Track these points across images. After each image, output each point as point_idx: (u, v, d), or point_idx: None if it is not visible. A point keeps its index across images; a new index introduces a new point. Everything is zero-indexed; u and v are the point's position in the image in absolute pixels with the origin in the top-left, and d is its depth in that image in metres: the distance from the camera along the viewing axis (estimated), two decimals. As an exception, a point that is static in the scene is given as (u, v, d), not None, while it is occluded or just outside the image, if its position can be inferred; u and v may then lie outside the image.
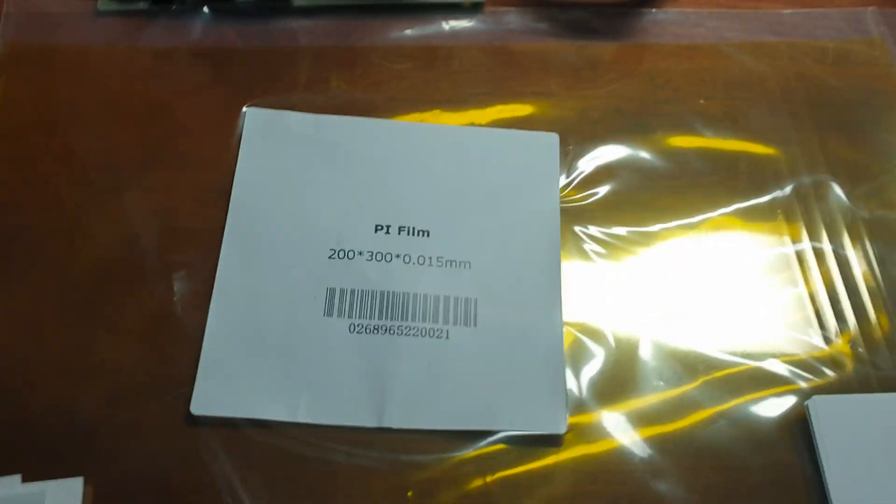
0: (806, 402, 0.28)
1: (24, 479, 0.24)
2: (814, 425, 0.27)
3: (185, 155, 0.31)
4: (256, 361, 0.27)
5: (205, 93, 0.32)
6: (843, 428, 0.27)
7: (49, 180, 0.30)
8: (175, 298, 0.28)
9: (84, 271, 0.28)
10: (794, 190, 0.33)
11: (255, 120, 0.31)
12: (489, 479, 0.26)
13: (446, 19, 0.35)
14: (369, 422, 0.26)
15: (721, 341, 0.29)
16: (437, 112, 0.33)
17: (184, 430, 0.26)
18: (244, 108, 0.32)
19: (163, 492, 0.25)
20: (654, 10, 0.36)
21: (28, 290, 0.28)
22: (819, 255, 0.31)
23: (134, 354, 0.27)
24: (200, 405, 0.26)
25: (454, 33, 0.35)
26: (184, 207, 0.30)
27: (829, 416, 0.27)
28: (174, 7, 0.34)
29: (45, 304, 0.28)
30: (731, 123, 0.34)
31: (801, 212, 0.32)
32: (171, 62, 0.33)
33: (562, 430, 0.27)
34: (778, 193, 0.33)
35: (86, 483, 0.25)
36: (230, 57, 0.33)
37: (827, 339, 0.30)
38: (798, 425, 0.28)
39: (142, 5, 0.34)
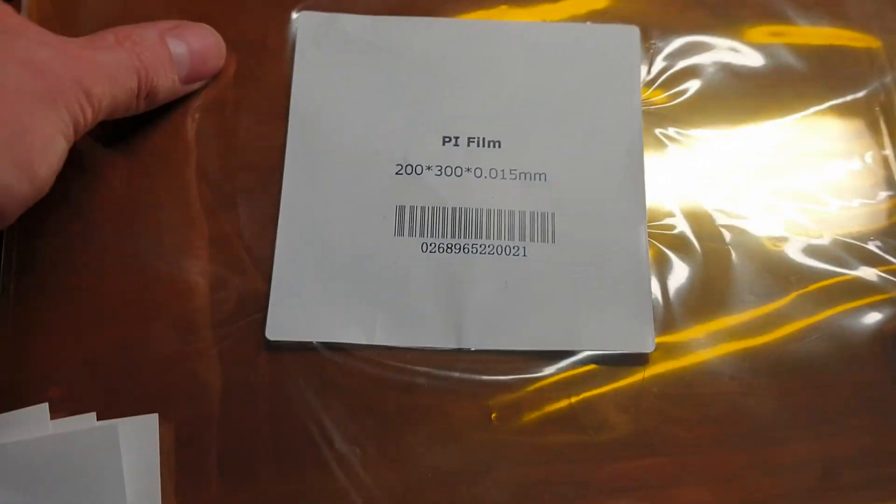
0: None
1: (100, 419, 0.24)
2: None
3: (235, 69, 0.29)
4: (329, 284, 0.26)
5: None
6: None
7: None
8: (241, 222, 0.27)
9: (144, 201, 0.27)
10: (893, 81, 0.30)
11: (307, 25, 0.29)
12: (574, 399, 0.26)
13: None
14: (447, 343, 0.26)
15: (814, 251, 0.28)
16: (503, 8, 0.30)
17: (260, 357, 0.25)
18: (294, 14, 0.29)
19: (243, 422, 0.25)
20: None
21: (90, 221, 0.27)
22: (922, 155, 0.29)
23: (203, 283, 0.26)
24: (276, 331, 0.25)
25: None
26: (241, 127, 0.28)
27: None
28: None
29: (107, 235, 0.27)
30: (825, 11, 0.31)
31: (902, 108, 0.29)
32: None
33: (649, 348, 0.26)
34: (877, 86, 0.30)
35: (161, 420, 0.24)
36: None
37: (927, 247, 0.28)
38: (893, 339, 0.26)
39: None
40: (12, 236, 0.27)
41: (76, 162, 0.26)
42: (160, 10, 0.29)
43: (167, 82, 0.26)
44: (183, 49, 0.26)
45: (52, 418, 0.24)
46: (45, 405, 0.24)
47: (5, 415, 0.24)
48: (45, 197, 0.23)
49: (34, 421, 0.24)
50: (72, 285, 0.26)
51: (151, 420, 0.24)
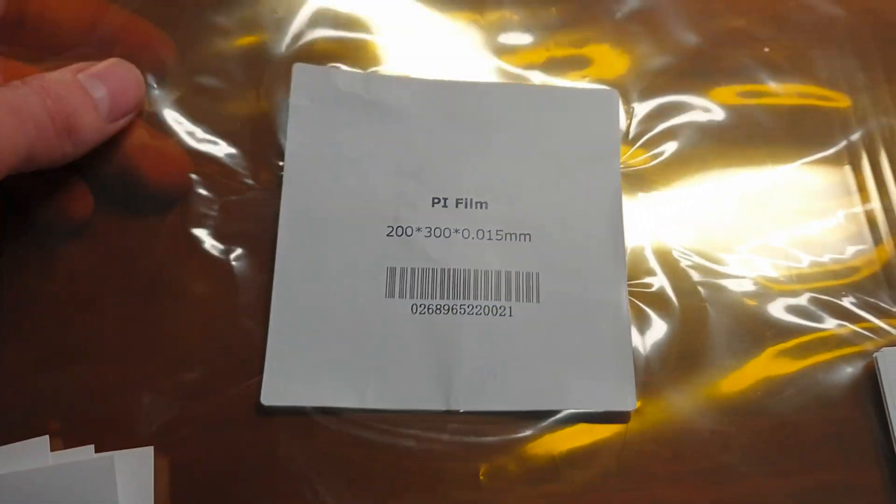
0: (875, 354, 0.28)
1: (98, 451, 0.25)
2: (882, 377, 0.27)
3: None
4: (322, 348, 0.27)
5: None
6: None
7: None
8: (236, 284, 0.27)
9: (145, 252, 0.28)
10: (861, 139, 0.31)
11: (301, 77, 0.30)
12: (558, 456, 0.27)
13: None
14: (437, 405, 0.26)
15: (789, 307, 0.29)
16: (489, 68, 0.31)
17: (254, 421, 0.26)
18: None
19: (236, 481, 0.25)
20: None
21: (94, 262, 0.28)
22: (889, 213, 0.30)
23: (196, 344, 0.27)
24: (270, 396, 0.26)
25: None
26: (234, 177, 0.29)
27: (900, 367, 0.27)
28: None
29: (107, 275, 0.27)
30: (795, 71, 0.32)
31: (870, 162, 0.31)
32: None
33: (631, 406, 0.27)
34: (847, 144, 0.31)
35: (157, 455, 0.25)
36: None
37: (898, 301, 0.29)
38: (867, 387, 0.28)
39: None
40: (10, 270, 0.27)
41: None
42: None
43: (88, 117, 0.25)
44: (99, 86, 0.25)
45: (51, 450, 0.25)
46: (46, 437, 0.25)
47: (6, 447, 0.25)
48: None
49: (34, 452, 0.25)
50: (72, 322, 0.27)
51: (147, 453, 0.25)
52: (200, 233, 0.28)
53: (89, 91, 0.25)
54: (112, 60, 0.27)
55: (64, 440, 0.25)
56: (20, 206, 0.27)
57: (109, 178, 0.28)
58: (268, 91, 0.30)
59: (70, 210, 0.28)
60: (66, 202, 0.27)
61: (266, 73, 0.30)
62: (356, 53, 0.31)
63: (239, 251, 0.28)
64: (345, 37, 0.31)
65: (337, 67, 0.30)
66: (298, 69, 0.30)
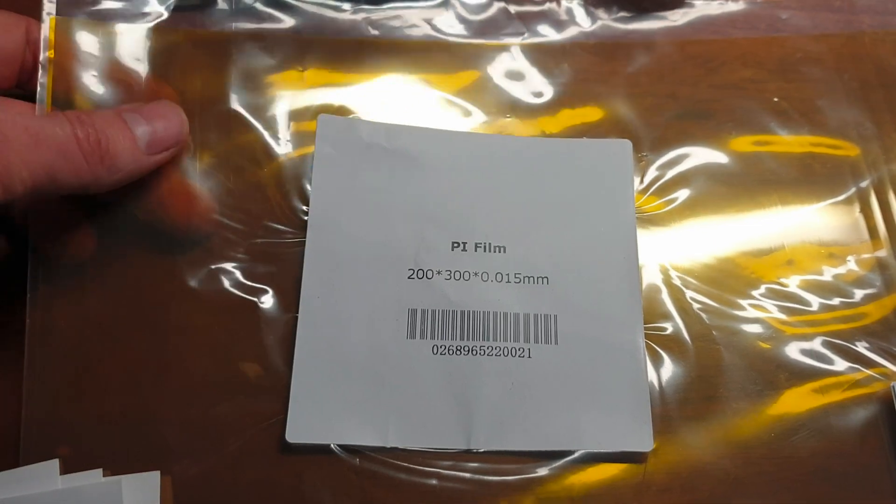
0: (893, 384, 0.28)
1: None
2: None
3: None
4: (345, 387, 0.27)
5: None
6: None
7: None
8: (262, 325, 0.28)
9: (170, 291, 0.29)
10: (871, 186, 0.32)
11: (326, 127, 0.31)
12: (577, 495, 0.27)
13: (488, 7, 0.34)
14: (457, 444, 0.27)
15: (802, 350, 0.29)
16: (507, 122, 0.33)
17: (279, 457, 0.27)
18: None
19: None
20: (711, 1, 0.35)
21: (107, 296, 0.29)
22: (901, 256, 0.31)
23: (223, 382, 0.28)
24: (295, 433, 0.27)
25: (497, 25, 0.34)
26: (260, 221, 0.30)
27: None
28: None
29: (124, 307, 0.29)
30: (805, 121, 0.33)
31: (881, 209, 0.31)
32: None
33: (648, 447, 0.27)
34: (856, 191, 0.32)
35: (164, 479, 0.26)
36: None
37: (912, 345, 0.29)
38: (880, 429, 0.28)
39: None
40: (33, 302, 0.28)
41: (105, 230, 0.28)
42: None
43: (125, 145, 0.26)
44: (140, 121, 0.27)
45: (62, 473, 0.26)
46: (56, 461, 0.26)
47: (19, 469, 0.26)
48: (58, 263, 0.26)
49: (45, 476, 0.25)
50: (86, 353, 0.28)
51: (153, 477, 0.26)
52: (227, 273, 0.29)
53: (129, 124, 0.26)
54: (157, 101, 0.28)
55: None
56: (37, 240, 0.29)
57: (137, 215, 0.29)
58: (294, 140, 0.31)
59: (72, 248, 0.29)
60: (68, 240, 0.29)
61: (292, 122, 0.31)
62: (377, 107, 0.32)
63: (265, 292, 0.29)
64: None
65: (359, 118, 0.31)
66: (323, 120, 0.31)
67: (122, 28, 0.30)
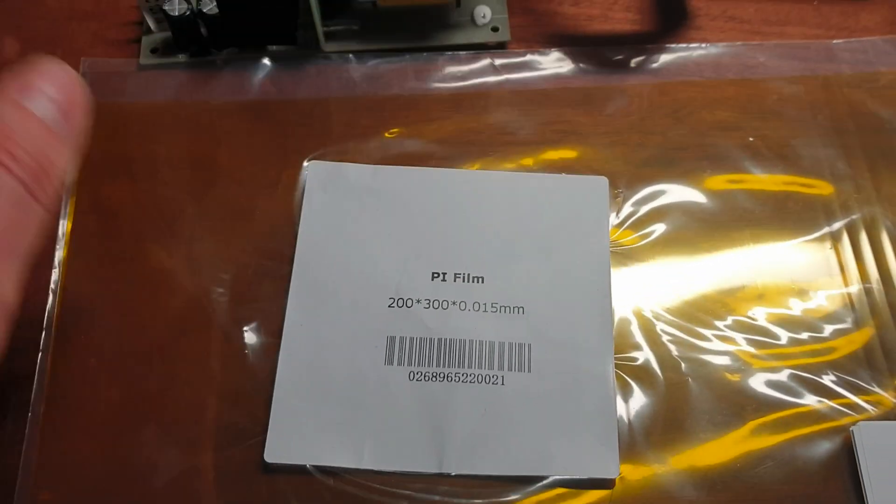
0: (851, 428, 0.29)
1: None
2: (858, 451, 0.28)
3: (245, 206, 0.33)
4: (323, 410, 0.29)
5: (258, 146, 0.34)
6: (889, 454, 0.28)
7: (120, 233, 0.32)
8: (246, 351, 0.30)
9: (162, 322, 0.30)
10: (844, 224, 0.33)
11: (316, 172, 0.33)
12: (544, 521, 0.28)
13: (474, 60, 0.36)
14: (429, 468, 0.28)
15: (770, 383, 0.30)
16: (488, 160, 0.34)
17: (258, 478, 0.28)
18: (305, 162, 0.33)
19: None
20: (691, 43, 0.37)
21: (105, 338, 0.30)
22: (869, 293, 0.32)
23: (207, 403, 0.29)
24: (274, 454, 0.28)
25: (483, 76, 0.36)
26: (251, 259, 0.32)
27: (874, 441, 0.28)
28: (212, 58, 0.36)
29: (123, 352, 0.30)
30: (779, 160, 0.34)
31: (852, 246, 0.32)
32: (222, 115, 0.35)
33: (613, 474, 0.28)
34: (829, 229, 0.33)
35: None
36: (272, 108, 0.35)
37: (877, 381, 0.30)
38: (844, 461, 0.29)
39: (181, 58, 0.36)
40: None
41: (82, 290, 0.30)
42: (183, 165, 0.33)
43: (62, 153, 0.20)
44: (46, 105, 0.20)
45: None
46: None
47: None
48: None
49: None
50: (68, 394, 0.29)
51: None
52: (215, 301, 0.31)
53: (40, 117, 0.20)
54: (45, 62, 0.20)
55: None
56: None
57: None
58: (285, 183, 0.33)
59: None
60: None
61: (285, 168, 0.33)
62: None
63: (251, 320, 0.30)
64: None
65: (346, 163, 0.33)
66: (312, 166, 0.33)
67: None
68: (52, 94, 0.20)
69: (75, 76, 0.21)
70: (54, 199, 0.20)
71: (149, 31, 0.36)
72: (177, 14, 0.34)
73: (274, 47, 0.36)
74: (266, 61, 0.36)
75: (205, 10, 0.34)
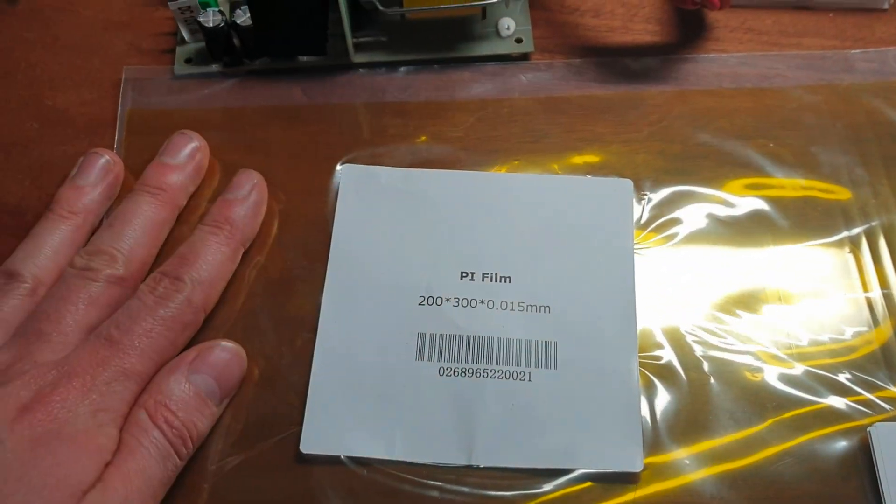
0: (868, 429, 0.29)
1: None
2: (875, 451, 0.29)
3: (284, 208, 0.34)
4: (356, 403, 0.30)
5: (291, 152, 0.35)
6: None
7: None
8: (282, 345, 0.31)
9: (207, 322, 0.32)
10: (862, 229, 0.34)
11: (349, 175, 0.34)
12: (571, 513, 0.29)
13: (499, 70, 0.37)
14: (459, 460, 0.29)
15: (789, 381, 0.31)
16: (515, 163, 0.35)
17: (294, 468, 0.29)
18: (338, 166, 0.35)
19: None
20: (710, 54, 0.38)
21: None
22: (888, 298, 0.32)
23: (246, 395, 0.30)
24: (309, 444, 0.29)
25: (508, 85, 0.37)
26: (289, 261, 0.33)
27: (891, 442, 0.29)
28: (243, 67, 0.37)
29: None
30: (799, 166, 0.35)
31: (871, 250, 0.33)
32: (254, 123, 0.36)
33: (638, 468, 0.29)
34: (847, 233, 0.34)
35: None
36: (304, 115, 0.36)
37: (894, 381, 0.31)
38: (861, 458, 0.29)
39: (214, 68, 0.37)
40: None
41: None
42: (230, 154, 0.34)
43: (207, 421, 0.28)
44: (209, 381, 0.28)
45: None
46: None
47: None
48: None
49: None
50: None
51: None
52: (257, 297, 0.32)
53: (202, 392, 0.28)
54: (215, 347, 0.29)
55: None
56: None
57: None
58: (319, 186, 0.35)
59: None
60: None
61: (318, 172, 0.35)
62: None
63: (288, 316, 0.32)
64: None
65: (378, 166, 0.35)
66: (346, 169, 0.34)
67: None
68: (215, 373, 0.28)
69: (241, 357, 0.30)
70: (190, 454, 0.28)
71: (183, 41, 0.37)
72: (211, 25, 0.35)
73: (305, 58, 0.37)
74: (297, 71, 0.37)
75: (238, 22, 0.35)
